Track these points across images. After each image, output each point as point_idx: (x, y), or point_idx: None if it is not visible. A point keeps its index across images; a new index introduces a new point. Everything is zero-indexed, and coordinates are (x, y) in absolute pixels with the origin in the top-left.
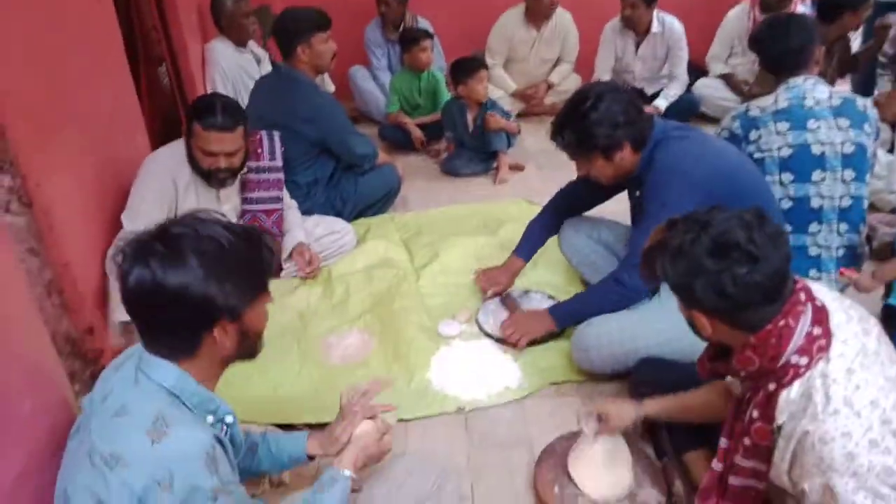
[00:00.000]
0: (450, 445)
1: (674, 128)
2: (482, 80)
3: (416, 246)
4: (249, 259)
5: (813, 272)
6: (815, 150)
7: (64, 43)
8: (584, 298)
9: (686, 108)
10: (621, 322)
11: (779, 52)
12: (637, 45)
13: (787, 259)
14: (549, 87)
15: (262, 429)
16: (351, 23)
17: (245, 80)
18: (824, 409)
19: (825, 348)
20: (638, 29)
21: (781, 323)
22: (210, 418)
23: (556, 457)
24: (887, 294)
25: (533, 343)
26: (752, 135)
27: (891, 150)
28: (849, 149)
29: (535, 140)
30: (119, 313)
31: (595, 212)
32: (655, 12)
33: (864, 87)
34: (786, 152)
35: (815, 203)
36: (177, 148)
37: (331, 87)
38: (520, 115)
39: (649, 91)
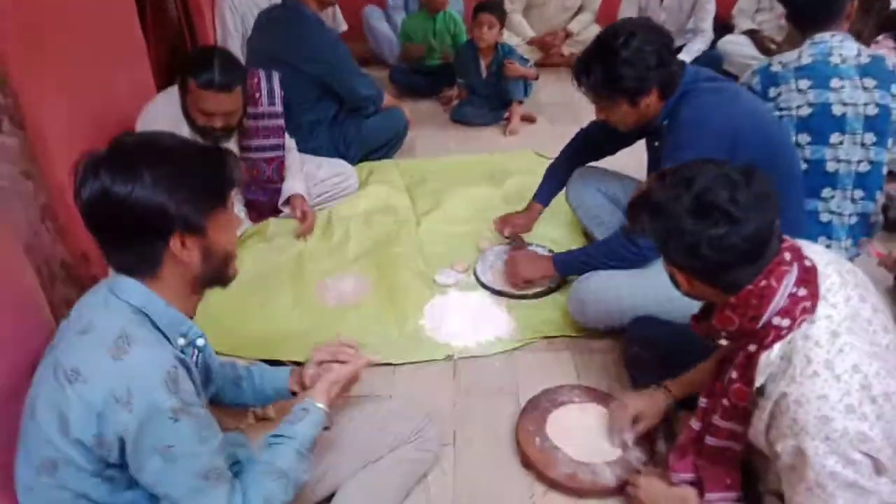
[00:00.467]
0: (436, 391)
1: (706, 78)
2: (481, 25)
3: (419, 193)
4: (205, 168)
5: (822, 239)
6: (836, 110)
7: None
8: (590, 251)
9: (708, 65)
10: (621, 277)
11: (806, 3)
12: None
13: (771, 222)
14: (568, 35)
15: (248, 362)
16: None
17: (255, 14)
18: (803, 370)
19: (810, 310)
20: None
21: (763, 283)
22: (181, 340)
23: (540, 410)
24: None
25: (535, 295)
26: (772, 91)
27: None
28: (872, 110)
29: (550, 92)
30: None
31: (605, 163)
32: None
33: None
34: (805, 111)
35: (830, 167)
36: (172, 98)
37: (343, 27)
38: (535, 66)
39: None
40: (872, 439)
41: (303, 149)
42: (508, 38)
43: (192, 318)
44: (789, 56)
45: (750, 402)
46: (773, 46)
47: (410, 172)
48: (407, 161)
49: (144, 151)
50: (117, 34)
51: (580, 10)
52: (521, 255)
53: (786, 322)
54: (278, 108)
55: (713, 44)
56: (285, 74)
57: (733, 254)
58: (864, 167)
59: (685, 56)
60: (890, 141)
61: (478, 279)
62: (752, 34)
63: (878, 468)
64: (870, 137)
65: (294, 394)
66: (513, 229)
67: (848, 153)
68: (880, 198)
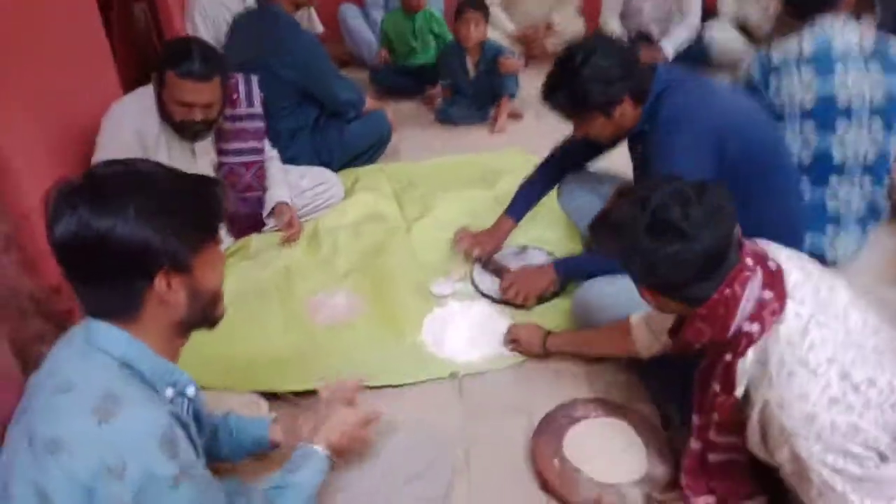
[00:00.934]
0: (443, 413)
1: (678, 76)
2: (467, 23)
3: (407, 199)
4: (193, 199)
5: (832, 229)
6: (842, 99)
7: None
8: (593, 256)
9: (696, 59)
10: (624, 282)
11: None
12: None
13: (727, 235)
14: (549, 29)
15: (222, 410)
16: None
17: (228, 20)
18: (779, 372)
19: (778, 311)
20: None
21: (727, 292)
22: (170, 391)
23: (555, 428)
24: None
25: (537, 302)
26: (773, 82)
27: None
28: (879, 97)
29: (534, 87)
30: None
31: (600, 165)
32: None
33: None
34: (810, 101)
35: (837, 156)
36: (144, 95)
37: (319, 28)
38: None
39: (661, 34)
40: (865, 429)
41: (283, 158)
42: (489, 33)
43: (176, 362)
44: (789, 45)
45: (738, 413)
46: (762, 33)
47: (397, 177)
48: (393, 165)
49: (126, 180)
50: (82, 46)
51: (561, 1)
52: (518, 273)
53: (756, 327)
54: (257, 109)
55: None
56: (263, 80)
57: (690, 269)
58: (871, 156)
59: (668, 44)
60: None
61: (476, 287)
62: (737, 21)
63: (882, 456)
64: (877, 125)
65: (275, 445)
66: (482, 250)
67: (855, 142)
68: (887, 185)
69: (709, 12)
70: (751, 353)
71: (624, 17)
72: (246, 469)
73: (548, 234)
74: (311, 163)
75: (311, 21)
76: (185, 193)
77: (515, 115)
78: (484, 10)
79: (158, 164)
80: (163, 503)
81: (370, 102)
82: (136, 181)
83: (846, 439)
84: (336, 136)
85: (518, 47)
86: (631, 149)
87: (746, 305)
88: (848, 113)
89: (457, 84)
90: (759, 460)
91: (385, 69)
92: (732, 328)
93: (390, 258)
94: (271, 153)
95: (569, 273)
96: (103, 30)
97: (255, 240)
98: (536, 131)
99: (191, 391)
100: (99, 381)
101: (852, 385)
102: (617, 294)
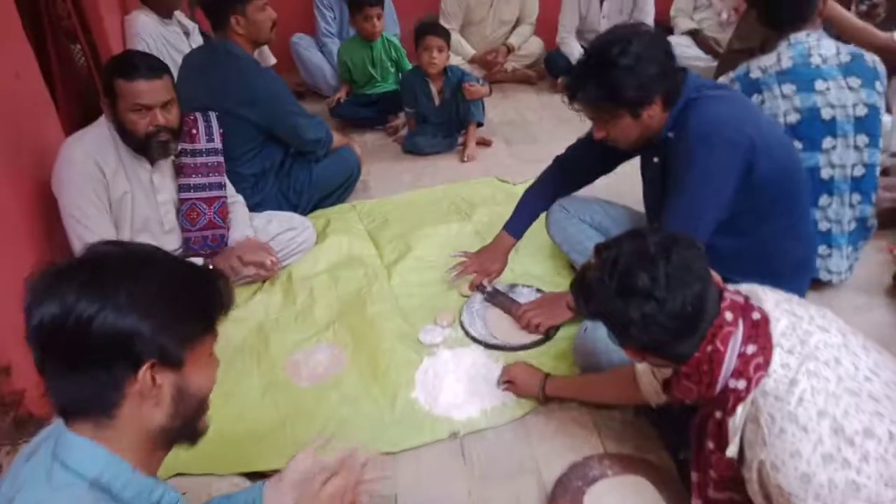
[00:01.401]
0: (447, 479)
1: (710, 85)
2: (430, 49)
3: (383, 238)
4: (191, 288)
5: (823, 248)
6: (825, 114)
7: None
8: None
9: None
10: None
11: (780, 3)
12: (602, 2)
13: (699, 294)
14: (510, 51)
15: (208, 494)
16: None
17: (173, 57)
18: (770, 430)
19: (763, 366)
20: None
21: (709, 348)
22: None
23: (571, 492)
24: None
25: (534, 345)
26: (755, 99)
27: (888, 110)
28: (861, 111)
29: (500, 111)
30: None
31: (585, 190)
32: None
33: None
34: (793, 118)
35: (825, 174)
36: (95, 131)
37: (271, 60)
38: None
39: None
40: (865, 485)
41: (248, 205)
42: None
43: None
44: (768, 60)
45: (735, 470)
46: (718, 47)
47: (370, 215)
48: (363, 202)
49: (120, 263)
50: (17, 93)
51: (518, 23)
52: (544, 299)
53: (742, 384)
54: (217, 144)
55: None
56: (224, 123)
57: (663, 331)
58: (858, 170)
59: None
60: (881, 140)
61: (467, 332)
62: (693, 34)
63: None
64: (862, 139)
65: None
66: (491, 277)
67: (842, 158)
68: (875, 200)
69: (663, 26)
70: (740, 410)
71: (580, 35)
72: None
73: (535, 268)
74: (279, 207)
75: (262, 54)
76: (184, 281)
77: (484, 142)
78: (445, 36)
79: (157, 249)
80: None
81: (336, 139)
82: (130, 264)
83: (847, 497)
84: (304, 177)
85: (479, 71)
86: (645, 160)
87: (730, 362)
88: (833, 129)
89: (422, 112)
90: None
91: (345, 100)
92: (719, 385)
93: (372, 306)
94: (235, 198)
95: None
96: (41, 75)
97: None
98: (507, 158)
99: None
100: None
101: (846, 439)
102: None
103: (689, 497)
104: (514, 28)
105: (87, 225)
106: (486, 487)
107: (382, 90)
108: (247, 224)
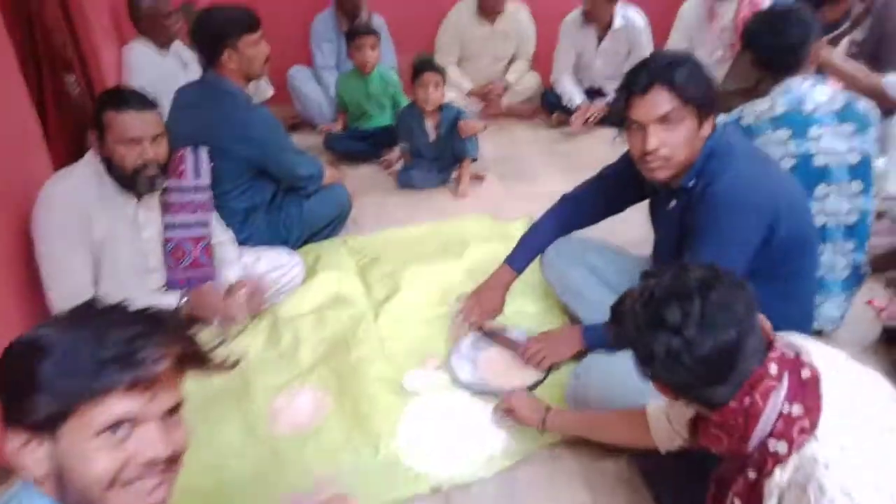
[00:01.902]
0: None
1: (739, 139)
2: (426, 85)
3: (373, 276)
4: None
5: (817, 297)
6: (819, 161)
7: None
8: None
9: None
10: (625, 369)
11: (774, 48)
12: (599, 41)
13: (729, 343)
14: (507, 88)
15: None
16: (291, 16)
17: (170, 88)
18: (818, 500)
19: (809, 430)
20: (600, 23)
21: (747, 401)
22: None
23: None
24: None
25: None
26: None
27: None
28: (855, 158)
29: (494, 146)
30: None
31: (580, 231)
32: (618, 5)
33: None
34: (788, 163)
35: (818, 221)
36: (79, 169)
37: (268, 92)
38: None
39: (610, 90)
40: None
41: (238, 239)
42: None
43: None
44: (761, 106)
45: None
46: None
47: (361, 251)
48: (354, 238)
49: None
50: (6, 125)
51: (513, 59)
52: (549, 335)
53: (782, 446)
54: (205, 180)
55: None
56: (215, 158)
57: (688, 374)
58: (852, 218)
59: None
60: (874, 188)
61: (455, 377)
62: None
63: None
64: (856, 186)
65: None
66: (493, 315)
67: (835, 205)
68: (867, 247)
69: None
70: (778, 473)
71: (576, 72)
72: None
73: (529, 307)
74: (269, 242)
75: (259, 86)
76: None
77: (478, 178)
78: (442, 73)
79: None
80: None
81: (329, 174)
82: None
83: None
84: (295, 212)
85: (476, 104)
86: (656, 204)
87: (769, 420)
88: (826, 176)
89: (416, 147)
90: None
91: (340, 133)
92: (752, 442)
93: (357, 350)
94: (225, 237)
95: (597, 342)
96: (33, 106)
97: (205, 333)
98: (500, 194)
99: None
100: None
101: None
102: (623, 384)
103: None
104: (510, 64)
105: (62, 270)
106: None
107: (377, 125)
108: (236, 263)
